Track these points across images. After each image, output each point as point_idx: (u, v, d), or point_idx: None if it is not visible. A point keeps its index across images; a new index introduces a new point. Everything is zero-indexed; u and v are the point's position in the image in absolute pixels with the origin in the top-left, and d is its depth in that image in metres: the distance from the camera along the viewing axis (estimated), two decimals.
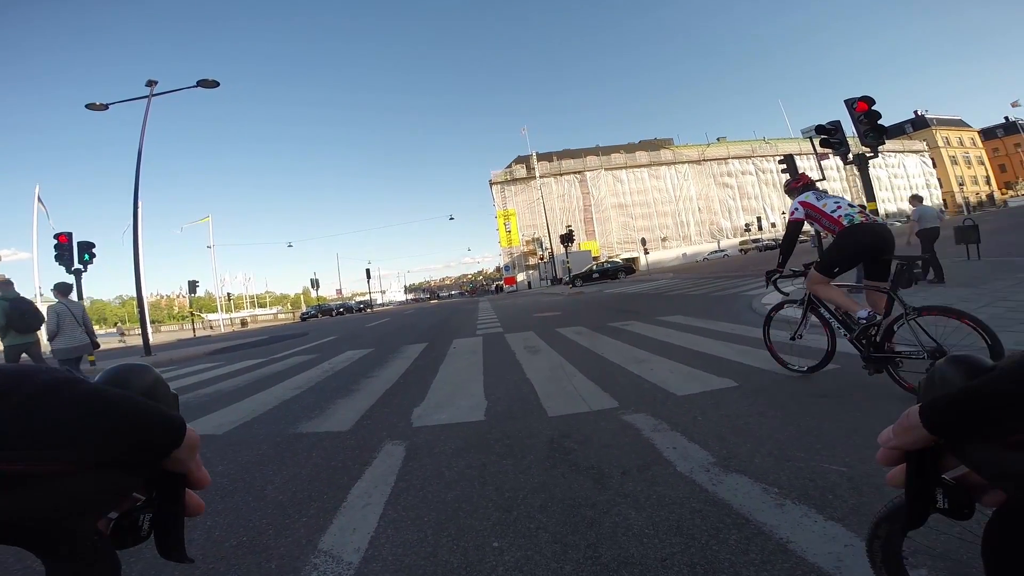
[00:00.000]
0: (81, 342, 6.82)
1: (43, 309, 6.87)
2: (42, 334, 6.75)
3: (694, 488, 1.98)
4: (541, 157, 54.85)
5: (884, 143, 5.92)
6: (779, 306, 3.98)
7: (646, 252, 46.14)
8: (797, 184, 3.84)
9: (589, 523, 1.79)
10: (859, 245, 3.27)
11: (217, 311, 51.51)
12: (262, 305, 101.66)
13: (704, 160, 59.88)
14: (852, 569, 1.37)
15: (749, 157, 61.37)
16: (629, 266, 36.38)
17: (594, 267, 34.72)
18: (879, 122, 5.76)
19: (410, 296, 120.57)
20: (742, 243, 54.07)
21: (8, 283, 6.23)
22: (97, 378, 0.37)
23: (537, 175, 46.97)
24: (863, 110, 5.77)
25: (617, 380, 4.02)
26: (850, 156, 6.22)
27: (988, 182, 75.07)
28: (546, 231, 39.95)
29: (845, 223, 3.30)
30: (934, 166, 70.59)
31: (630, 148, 61.15)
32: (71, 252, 10.18)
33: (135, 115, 12.68)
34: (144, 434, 0.33)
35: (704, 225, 58.46)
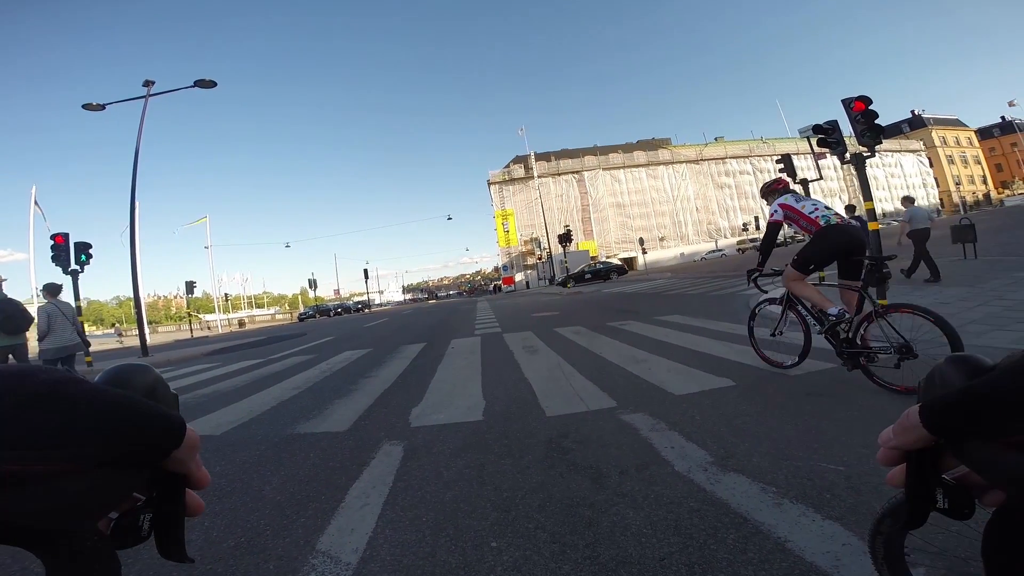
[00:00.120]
0: (71, 342, 6.82)
1: (34, 310, 6.85)
2: (32, 335, 6.72)
3: (692, 487, 1.99)
4: (539, 157, 54.79)
5: (881, 143, 5.92)
6: (762, 303, 4.15)
7: (644, 252, 46.19)
8: (778, 186, 4.00)
9: (587, 523, 1.79)
10: (833, 244, 3.44)
11: (214, 312, 51.35)
12: (260, 305, 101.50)
13: (702, 160, 59.91)
14: (850, 568, 1.38)
15: (747, 157, 61.44)
16: (622, 267, 36.40)
17: (586, 268, 34.76)
18: (876, 122, 5.75)
19: (408, 296, 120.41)
20: (740, 243, 54.12)
21: None
22: (97, 378, 0.36)
23: (535, 175, 46.91)
24: (860, 110, 5.77)
25: (615, 380, 4.02)
26: (847, 156, 6.22)
27: (984, 181, 75.32)
28: (544, 231, 39.91)
29: (822, 223, 3.49)
30: (931, 165, 70.81)
31: (628, 148, 61.14)
32: (68, 253, 10.12)
33: (132, 115, 12.63)
34: (144, 434, 0.33)
35: (702, 225, 58.50)
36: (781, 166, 12.36)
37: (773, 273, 3.86)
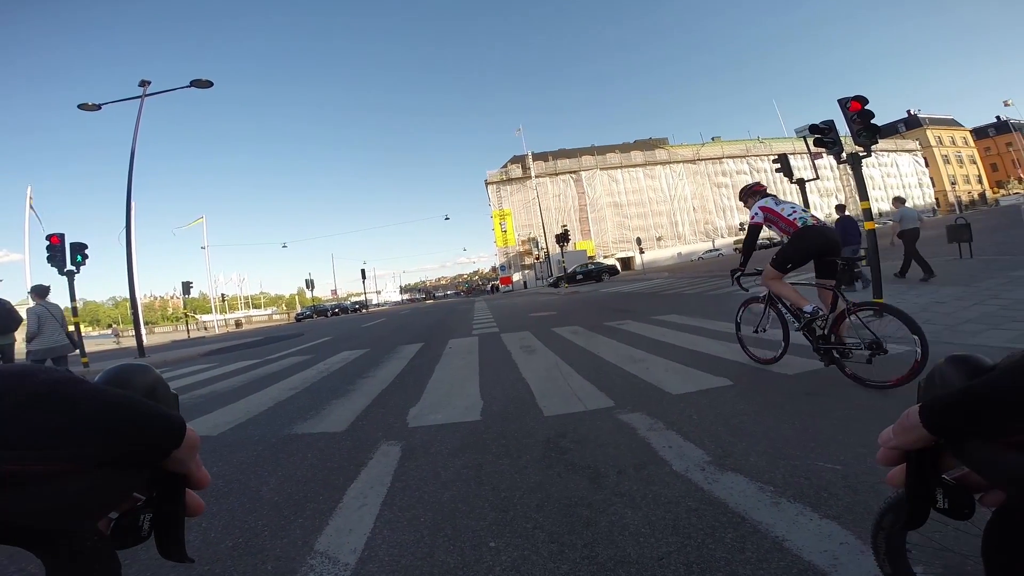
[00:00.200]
0: (60, 343, 6.82)
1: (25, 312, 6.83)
2: (21, 335, 6.70)
3: (690, 487, 1.99)
4: (537, 157, 54.76)
5: (877, 142, 5.94)
6: (747, 302, 4.34)
7: (641, 251, 46.26)
8: (756, 189, 4.17)
9: (586, 522, 1.79)
10: (810, 245, 3.61)
11: (211, 312, 51.19)
12: (257, 306, 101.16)
13: (699, 160, 60.04)
14: (847, 567, 1.38)
15: (744, 157, 61.59)
16: (613, 267, 36.54)
17: (577, 269, 34.90)
18: (872, 121, 5.78)
19: (406, 296, 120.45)
20: (736, 242, 54.19)
21: None
22: (97, 378, 0.36)
23: (533, 175, 46.80)
24: (856, 109, 5.79)
25: (613, 379, 4.03)
26: (844, 155, 6.24)
27: (980, 181, 75.70)
28: (542, 231, 39.87)
29: (799, 225, 3.66)
30: (927, 165, 71.10)
31: (625, 148, 61.21)
32: (63, 253, 10.07)
33: (131, 116, 12.55)
34: (144, 434, 0.33)
35: (699, 224, 58.63)
36: (778, 166, 12.42)
37: (755, 272, 4.05)
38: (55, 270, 10.06)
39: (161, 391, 0.39)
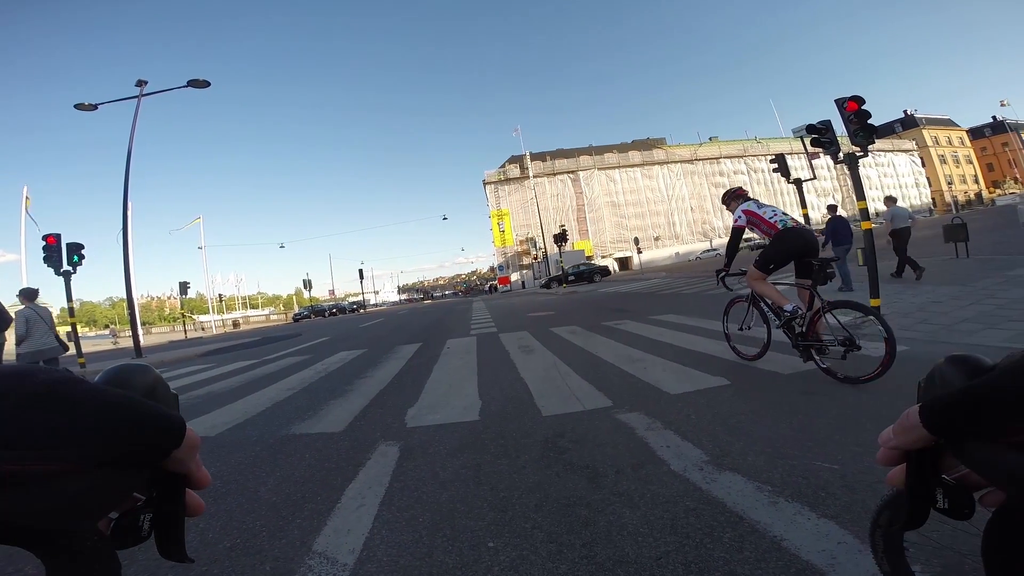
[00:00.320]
0: (49, 346, 6.82)
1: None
2: (10, 336, 6.67)
3: (688, 487, 1.99)
4: (535, 157, 54.84)
5: (874, 142, 5.95)
6: (733, 301, 4.53)
7: (639, 251, 46.29)
8: (739, 193, 4.34)
9: (584, 522, 1.79)
10: (791, 246, 3.76)
11: (208, 312, 51.07)
12: (254, 306, 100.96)
13: (696, 160, 60.14)
14: (845, 566, 1.38)
15: (741, 157, 61.72)
16: (605, 268, 36.68)
17: (569, 270, 35.07)
18: (869, 122, 5.79)
19: (404, 296, 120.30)
20: None
21: None
22: (97, 378, 0.36)
23: (531, 175, 46.96)
24: (853, 110, 5.80)
25: (611, 379, 4.03)
26: (841, 155, 6.26)
27: (976, 181, 75.98)
28: (540, 231, 39.93)
29: (780, 227, 3.81)
30: (923, 165, 71.37)
31: (623, 148, 61.32)
32: (60, 253, 10.02)
33: (125, 115, 12.53)
34: (144, 434, 0.33)
35: (696, 224, 58.73)
36: (775, 166, 12.44)
37: (740, 273, 4.17)
38: (51, 270, 10.01)
39: (161, 391, 0.38)
